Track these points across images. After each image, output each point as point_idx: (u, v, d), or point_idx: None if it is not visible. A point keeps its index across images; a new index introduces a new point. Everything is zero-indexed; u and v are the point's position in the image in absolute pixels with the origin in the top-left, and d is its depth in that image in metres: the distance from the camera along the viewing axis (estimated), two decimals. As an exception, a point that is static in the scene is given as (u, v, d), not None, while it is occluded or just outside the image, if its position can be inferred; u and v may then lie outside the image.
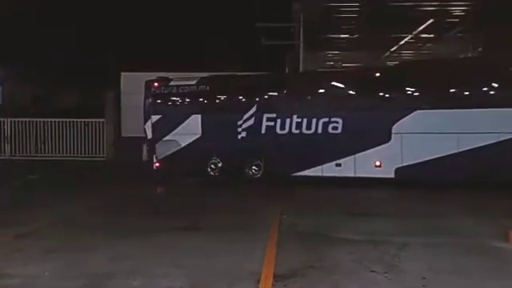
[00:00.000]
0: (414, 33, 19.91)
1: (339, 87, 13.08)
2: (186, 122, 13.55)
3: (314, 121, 12.58)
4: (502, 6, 15.16)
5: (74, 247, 7.13)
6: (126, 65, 19.56)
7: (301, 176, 12.75)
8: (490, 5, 15.89)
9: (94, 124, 18.14)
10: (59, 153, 17.97)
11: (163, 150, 13.72)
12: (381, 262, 6.38)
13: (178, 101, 14.06)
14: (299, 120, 12.71)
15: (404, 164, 11.99)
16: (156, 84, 14.04)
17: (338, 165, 12.46)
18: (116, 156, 17.82)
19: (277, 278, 5.78)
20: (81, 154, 17.96)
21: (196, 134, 13.41)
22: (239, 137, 13.14)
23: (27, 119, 18.39)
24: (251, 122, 13.08)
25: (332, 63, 27.25)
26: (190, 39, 25.61)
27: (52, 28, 23.74)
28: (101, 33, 24.76)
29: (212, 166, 13.48)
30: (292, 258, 6.54)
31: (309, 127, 12.64)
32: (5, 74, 22.87)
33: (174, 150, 13.60)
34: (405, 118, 11.99)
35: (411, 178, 11.92)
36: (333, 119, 12.45)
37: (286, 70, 21.27)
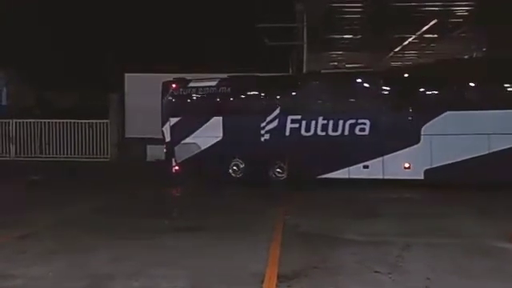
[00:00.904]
0: (418, 33, 19.86)
1: (367, 88, 12.99)
2: (206, 125, 13.27)
3: (341, 122, 12.44)
4: (506, 6, 15.09)
5: (76, 248, 7.12)
6: (128, 65, 19.59)
7: (326, 178, 12.55)
8: (494, 4, 15.83)
9: (97, 125, 18.19)
10: (63, 154, 18.02)
11: (182, 152, 13.42)
12: (384, 262, 6.34)
13: (197, 102, 13.73)
14: (325, 122, 12.55)
15: (433, 165, 11.92)
16: (174, 85, 13.73)
17: (366, 167, 12.36)
18: (120, 157, 17.85)
19: (281, 278, 5.75)
20: (84, 154, 18.01)
21: (217, 137, 13.16)
22: (262, 139, 12.95)
23: (31, 120, 18.46)
24: (275, 123, 12.88)
25: (335, 64, 27.22)
26: (192, 40, 25.63)
27: (56, 29, 23.84)
28: (103, 34, 24.83)
29: (234, 167, 13.25)
30: (296, 258, 6.52)
31: (335, 129, 12.49)
32: (9, 75, 22.96)
33: (194, 152, 13.32)
34: (434, 120, 11.93)
35: (440, 180, 11.84)
36: (360, 121, 12.33)
37: (290, 71, 21.24)
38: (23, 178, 14.22)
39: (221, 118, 13.21)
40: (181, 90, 13.71)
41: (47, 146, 18.16)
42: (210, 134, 13.20)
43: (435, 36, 20.56)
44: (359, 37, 20.72)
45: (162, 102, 13.84)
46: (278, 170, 13.11)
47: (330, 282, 5.71)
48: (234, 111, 13.32)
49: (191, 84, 13.74)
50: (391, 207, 10.26)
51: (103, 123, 18.22)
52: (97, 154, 18.05)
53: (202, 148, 13.29)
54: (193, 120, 13.45)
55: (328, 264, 6.33)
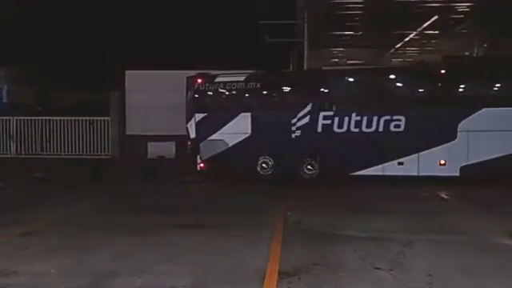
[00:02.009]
0: (419, 29, 19.81)
1: (403, 84, 12.91)
2: (234, 121, 13.05)
3: (375, 119, 12.38)
4: (506, 2, 15.05)
5: (78, 245, 7.15)
6: (128, 63, 19.56)
7: (358, 175, 12.48)
8: (494, 1, 15.77)
9: (98, 122, 18.17)
10: (64, 151, 18.02)
11: (208, 149, 13.18)
12: (385, 259, 6.36)
13: (225, 98, 13.44)
14: (359, 118, 12.48)
15: (470, 162, 11.93)
16: (200, 80, 13.38)
17: (401, 163, 12.31)
18: (121, 154, 17.85)
19: (282, 275, 5.77)
20: (86, 152, 18.00)
21: (245, 133, 12.97)
22: (293, 136, 12.81)
23: (32, 118, 18.44)
24: (306, 120, 12.76)
25: (337, 60, 27.18)
26: (192, 37, 25.60)
27: (56, 27, 23.82)
28: (104, 31, 24.82)
29: (263, 165, 13.11)
30: (297, 255, 6.54)
31: (369, 125, 12.43)
32: (10, 73, 22.95)
33: (221, 149, 13.09)
34: (471, 116, 11.90)
35: (477, 176, 11.84)
36: (395, 117, 12.27)
37: (291, 68, 21.23)
38: (24, 175, 14.25)
39: (249, 114, 13.00)
40: (207, 85, 13.37)
41: (48, 143, 18.16)
42: (237, 130, 12.98)
43: (436, 32, 20.50)
44: (360, 33, 20.66)
45: (186, 98, 13.49)
46: (309, 167, 12.96)
47: (330, 278, 5.72)
48: (263, 107, 13.11)
49: (218, 79, 13.39)
50: (393, 204, 10.28)
51: (104, 120, 18.21)
52: (98, 152, 18.04)
53: (230, 145, 13.05)
54: (220, 116, 13.18)
55: (329, 261, 6.35)
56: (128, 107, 18.44)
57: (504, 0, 15.08)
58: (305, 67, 17.88)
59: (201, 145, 13.27)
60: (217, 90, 13.42)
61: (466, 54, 22.08)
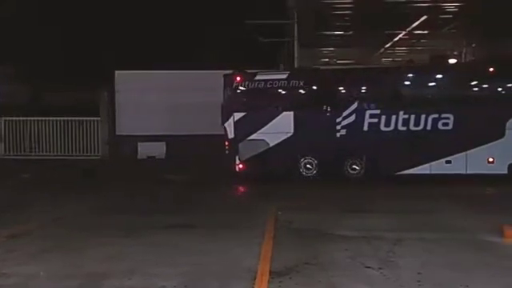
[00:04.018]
0: (408, 29, 19.94)
1: (450, 82, 12.80)
2: (275, 120, 12.64)
3: (423, 117, 12.25)
4: (494, 2, 15.20)
5: (68, 247, 7.10)
6: (121, 64, 19.48)
7: (406, 175, 12.36)
8: (483, 1, 15.93)
9: (88, 123, 18.08)
10: (53, 152, 17.90)
11: (248, 150, 12.69)
12: (376, 257, 6.40)
13: (265, 97, 12.98)
14: (406, 116, 12.32)
15: None
16: (238, 78, 12.90)
17: (448, 162, 12.22)
18: (111, 155, 17.77)
19: (273, 274, 5.78)
20: (75, 152, 17.90)
21: (287, 133, 12.58)
22: (338, 134, 12.56)
23: (21, 118, 18.30)
24: (352, 118, 12.51)
25: (327, 60, 27.28)
26: (182, 37, 25.53)
27: (46, 27, 23.62)
28: (95, 31, 24.66)
29: (307, 165, 12.80)
30: (288, 254, 6.55)
31: (417, 124, 12.28)
32: (1, 73, 22.71)
33: (261, 149, 12.65)
34: None
35: None
36: (443, 115, 12.17)
37: (281, 67, 21.26)
38: (13, 176, 14.12)
39: (292, 113, 12.63)
40: (246, 83, 12.91)
41: (36, 144, 18.01)
42: (279, 129, 12.57)
43: (425, 32, 20.65)
44: (350, 33, 20.75)
45: (224, 96, 13.04)
46: (354, 166, 12.74)
47: (321, 277, 5.74)
48: (306, 106, 12.81)
49: (258, 77, 12.96)
50: (383, 202, 10.32)
51: (94, 121, 18.12)
52: (88, 152, 17.94)
53: (271, 145, 12.65)
54: (260, 115, 12.78)
55: (320, 260, 6.37)
56: (118, 107, 18.38)
57: (491, 0, 15.22)
58: (295, 66, 17.91)
59: (240, 145, 12.76)
60: (257, 88, 12.85)
61: (455, 53, 22.31)
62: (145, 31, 25.05)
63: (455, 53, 22.27)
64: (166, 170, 14.98)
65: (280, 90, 12.97)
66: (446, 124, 12.22)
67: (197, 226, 8.31)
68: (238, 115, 12.76)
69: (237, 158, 12.80)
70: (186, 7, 25.58)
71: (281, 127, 12.60)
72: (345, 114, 12.52)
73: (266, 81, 12.84)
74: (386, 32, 20.56)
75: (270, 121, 12.69)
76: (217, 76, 18.76)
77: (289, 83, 12.82)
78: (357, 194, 11.31)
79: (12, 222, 8.54)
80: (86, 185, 13.19)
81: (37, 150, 17.98)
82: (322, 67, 13.87)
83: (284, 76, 12.97)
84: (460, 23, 19.02)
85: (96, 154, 17.98)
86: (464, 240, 7.27)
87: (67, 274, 5.90)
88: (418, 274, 5.79)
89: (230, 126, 12.81)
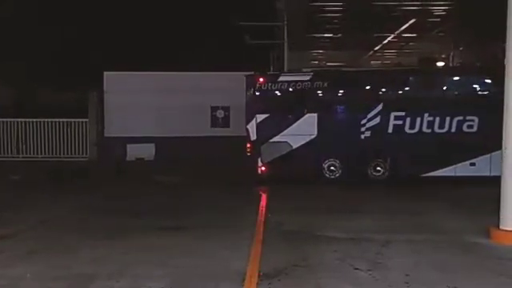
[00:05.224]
0: (397, 32, 20.09)
1: (476, 84, 12.76)
2: (298, 122, 12.62)
3: (448, 119, 12.27)
4: (482, 5, 15.36)
5: (56, 249, 7.04)
6: (110, 64, 19.38)
7: (430, 177, 12.35)
8: (470, 4, 16.09)
9: (76, 124, 17.94)
10: (41, 153, 17.74)
11: (271, 152, 12.60)
12: (364, 259, 6.42)
13: (289, 98, 12.85)
14: (431, 118, 12.33)
15: None
16: (261, 79, 12.79)
17: (473, 164, 12.22)
18: (99, 156, 17.65)
19: (261, 276, 5.78)
20: (63, 154, 17.75)
21: (311, 135, 12.56)
22: (362, 136, 12.53)
23: (8, 119, 18.12)
24: (377, 120, 12.48)
25: (317, 62, 27.37)
26: (172, 37, 25.48)
27: (34, 28, 23.42)
28: (84, 32, 24.52)
29: (331, 168, 12.75)
30: (277, 256, 6.55)
31: (441, 126, 12.30)
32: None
33: (284, 152, 12.59)
34: None
35: None
36: (468, 117, 12.17)
37: (271, 70, 21.30)
38: (1, 178, 13.97)
39: (316, 114, 12.61)
40: (269, 84, 12.77)
41: (23, 145, 17.84)
42: (302, 131, 12.51)
43: (414, 35, 20.81)
44: (339, 35, 20.85)
45: (246, 98, 12.93)
46: (378, 168, 12.74)
47: (310, 279, 5.75)
48: (330, 107, 12.78)
49: (282, 78, 12.93)
50: (374, 203, 10.36)
51: (82, 122, 17.99)
52: (76, 154, 17.81)
53: (294, 147, 12.60)
54: (283, 117, 12.73)
55: (309, 262, 6.38)
56: (106, 109, 18.27)
57: (478, 4, 15.38)
58: (285, 69, 17.95)
59: (262, 147, 12.67)
60: (280, 89, 12.74)
61: (443, 56, 22.51)
62: (133, 32, 24.97)
63: (443, 56, 22.47)
64: (156, 171, 14.92)
65: (304, 92, 12.87)
66: (470, 126, 12.26)
67: (186, 228, 8.27)
68: (260, 117, 12.66)
69: (259, 160, 12.69)
70: (174, 9, 25.54)
71: (304, 129, 12.57)
72: (369, 115, 12.52)
73: (289, 82, 12.78)
74: (375, 35, 20.69)
75: (294, 122, 12.69)
76: (205, 77, 18.83)
77: (312, 84, 12.77)
78: (349, 195, 11.33)
79: (1, 224, 8.43)
80: (74, 186, 13.08)
81: (24, 151, 17.81)
82: (344, 69, 13.71)
83: (308, 77, 12.90)
84: (448, 26, 19.20)
85: (84, 155, 17.85)
86: (452, 241, 7.33)
87: (55, 276, 5.85)
88: (406, 275, 5.83)
89: (252, 127, 12.69)
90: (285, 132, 12.64)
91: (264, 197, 11.24)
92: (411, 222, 8.55)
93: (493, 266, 6.27)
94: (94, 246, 7.10)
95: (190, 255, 6.70)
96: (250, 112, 12.77)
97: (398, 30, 19.73)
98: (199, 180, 13.56)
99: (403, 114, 12.45)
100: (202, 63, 19.85)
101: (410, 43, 22.59)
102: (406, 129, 12.46)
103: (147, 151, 17.69)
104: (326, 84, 12.78)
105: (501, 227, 7.28)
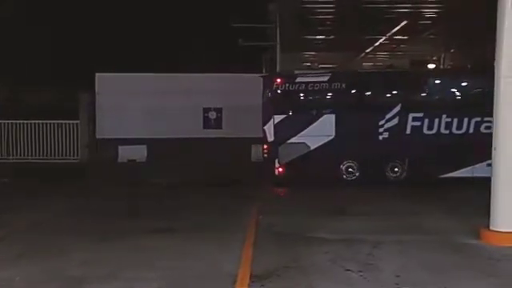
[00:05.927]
0: (388, 34, 20.18)
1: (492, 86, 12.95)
2: (316, 123, 12.57)
3: (466, 120, 12.27)
4: (472, 7, 15.48)
5: (46, 251, 6.98)
6: (101, 66, 19.30)
7: (448, 178, 12.34)
8: (460, 6, 16.21)
9: (67, 126, 17.83)
10: (31, 155, 17.61)
11: (288, 153, 12.54)
12: (355, 260, 6.44)
13: (307, 99, 12.95)
14: (449, 120, 12.32)
15: None
16: (279, 80, 12.75)
17: (489, 165, 12.33)
18: (90, 158, 17.56)
19: (253, 278, 5.78)
20: (54, 156, 17.64)
21: (329, 136, 12.50)
22: (380, 137, 12.51)
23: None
24: (395, 121, 12.46)
25: (309, 64, 27.43)
26: (165, 40, 25.45)
27: (25, 28, 23.29)
28: (75, 33, 24.42)
29: (349, 169, 12.71)
30: (268, 258, 6.55)
31: (460, 127, 12.30)
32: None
33: (302, 153, 12.52)
34: None
35: None
36: (486, 118, 11.91)
37: (264, 71, 21.32)
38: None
39: (334, 115, 12.57)
40: (287, 85, 12.71)
41: (14, 147, 17.70)
42: (320, 132, 12.47)
43: (405, 37, 20.92)
44: (332, 37, 20.91)
45: (262, 99, 12.91)
46: (396, 169, 12.72)
47: (302, 281, 5.76)
48: (348, 108, 12.64)
49: (299, 79, 12.91)
50: (366, 204, 10.36)
51: (73, 124, 17.88)
52: (67, 156, 17.69)
53: (311, 148, 12.54)
54: (301, 118, 12.68)
55: (300, 263, 6.39)
56: (98, 110, 18.18)
57: (468, 7, 15.50)
58: (277, 70, 17.96)
59: (279, 148, 12.60)
60: (298, 90, 12.77)
61: (434, 58, 22.66)
62: (126, 33, 24.91)
63: (434, 58, 22.60)
64: (148, 173, 14.85)
65: (322, 93, 12.91)
66: (488, 127, 12.37)
67: (177, 230, 8.24)
68: (278, 118, 12.59)
69: (276, 161, 12.65)
70: (165, 10, 25.51)
71: (322, 130, 12.52)
72: (387, 116, 12.52)
73: (307, 83, 12.77)
74: (367, 37, 20.77)
75: (311, 123, 12.63)
76: (198, 79, 18.82)
77: (330, 85, 12.77)
78: (342, 195, 11.34)
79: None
80: (65, 189, 12.99)
81: (14, 153, 17.67)
82: (361, 70, 13.74)
83: (326, 78, 12.89)
84: (439, 29, 19.32)
85: (75, 157, 17.75)
86: (442, 242, 7.36)
87: (45, 279, 5.81)
88: (397, 276, 5.85)
89: (269, 128, 12.62)
90: (302, 133, 12.57)
91: (252, 199, 11.20)
92: (402, 223, 8.56)
93: (483, 266, 6.31)
94: (84, 249, 7.05)
95: (182, 257, 6.68)
96: (267, 113, 12.72)
97: (389, 32, 19.83)
98: (191, 181, 13.52)
99: (421, 114, 12.48)
100: (193, 64, 19.83)
101: (402, 45, 22.71)
102: (424, 130, 12.49)
103: (139, 153, 17.60)
104: (343, 85, 12.78)
105: (491, 228, 7.33)
